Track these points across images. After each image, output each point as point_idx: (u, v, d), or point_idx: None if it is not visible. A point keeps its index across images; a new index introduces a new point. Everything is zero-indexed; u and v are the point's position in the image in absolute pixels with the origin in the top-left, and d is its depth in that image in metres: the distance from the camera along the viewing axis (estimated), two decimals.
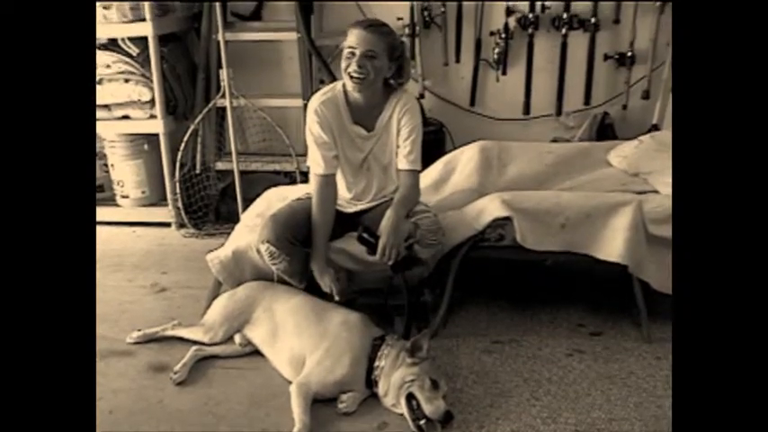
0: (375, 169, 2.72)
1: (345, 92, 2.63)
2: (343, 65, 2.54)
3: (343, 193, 2.78)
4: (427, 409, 2.24)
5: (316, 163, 2.66)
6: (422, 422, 2.24)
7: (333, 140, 2.64)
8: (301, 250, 2.66)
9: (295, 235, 2.61)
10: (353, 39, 2.51)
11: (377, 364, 2.38)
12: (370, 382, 2.38)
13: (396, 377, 2.32)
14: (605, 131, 4.02)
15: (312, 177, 2.70)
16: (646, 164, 3.12)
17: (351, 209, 2.81)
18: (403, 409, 2.29)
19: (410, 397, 2.28)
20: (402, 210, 2.59)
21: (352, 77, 2.52)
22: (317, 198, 2.65)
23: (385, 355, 2.39)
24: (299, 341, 2.50)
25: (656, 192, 2.91)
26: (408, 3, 3.94)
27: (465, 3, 4.02)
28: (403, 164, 2.67)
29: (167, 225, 4.06)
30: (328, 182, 2.67)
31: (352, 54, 2.50)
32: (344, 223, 2.78)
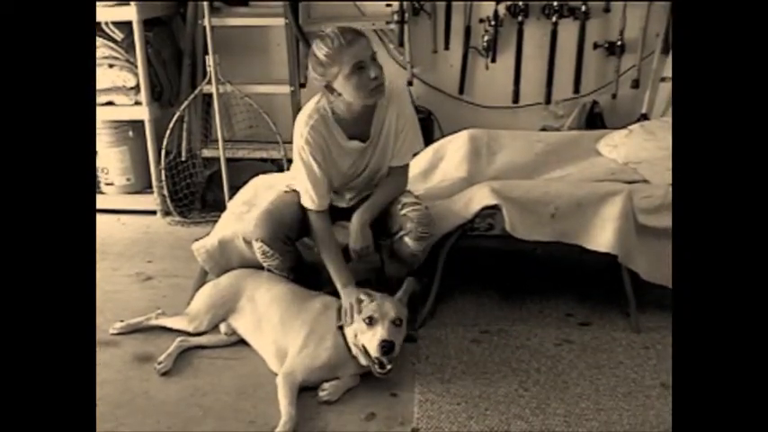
0: (369, 170, 2.67)
1: (333, 110, 2.51)
2: (355, 83, 2.36)
3: (337, 192, 2.74)
4: (371, 350, 2.29)
5: (308, 198, 2.55)
6: (386, 369, 2.30)
7: (327, 165, 2.54)
8: (294, 248, 2.64)
9: (288, 234, 2.58)
10: (354, 54, 2.34)
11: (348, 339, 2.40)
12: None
13: (351, 340, 2.37)
14: (594, 120, 4.02)
15: (309, 213, 2.58)
16: (635, 153, 3.11)
17: (343, 204, 2.77)
18: (365, 361, 2.34)
19: (366, 349, 2.33)
20: (367, 215, 2.58)
21: (374, 89, 2.39)
22: (319, 235, 2.55)
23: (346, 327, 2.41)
24: (283, 335, 2.49)
25: (645, 181, 2.90)
26: None
27: None
28: (393, 160, 2.64)
29: (153, 213, 4.02)
30: (324, 216, 2.58)
31: (362, 67, 2.35)
32: (338, 214, 2.75)
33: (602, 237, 2.63)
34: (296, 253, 2.67)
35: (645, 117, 3.86)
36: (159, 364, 2.50)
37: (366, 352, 2.32)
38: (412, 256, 2.61)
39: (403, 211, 2.58)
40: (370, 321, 2.30)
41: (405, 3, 3.91)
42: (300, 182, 2.57)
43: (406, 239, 2.57)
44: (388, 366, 2.30)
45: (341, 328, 2.41)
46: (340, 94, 2.42)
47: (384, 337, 2.26)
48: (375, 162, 2.64)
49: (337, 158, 2.57)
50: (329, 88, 2.43)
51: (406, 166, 2.69)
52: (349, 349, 2.38)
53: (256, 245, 2.60)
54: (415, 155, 2.80)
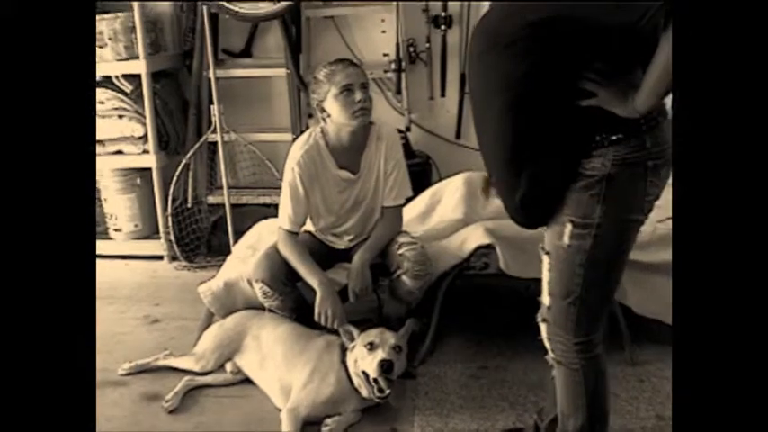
0: (363, 210, 2.77)
1: (326, 138, 2.68)
2: (341, 103, 2.54)
3: (332, 231, 2.83)
4: (370, 371, 2.34)
5: (286, 217, 2.68)
6: (385, 393, 2.34)
7: (314, 192, 2.67)
8: (294, 288, 2.71)
9: (288, 275, 2.66)
10: (346, 75, 2.54)
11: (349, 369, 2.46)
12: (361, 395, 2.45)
13: (352, 369, 2.43)
14: None
15: (279, 232, 2.70)
16: None
17: (342, 246, 2.86)
18: (366, 391, 2.39)
19: (366, 375, 2.38)
20: (367, 254, 2.66)
21: (357, 111, 2.54)
22: (292, 255, 2.63)
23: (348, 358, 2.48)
24: (287, 372, 2.54)
25: None
26: (394, 39, 4.01)
27: (449, 39, 4.10)
28: (386, 201, 2.75)
29: (160, 258, 4.09)
30: (294, 238, 2.69)
31: (350, 90, 2.53)
32: (336, 256, 2.84)
33: None
34: (296, 294, 2.74)
35: None
36: (167, 402, 2.56)
37: (366, 378, 2.38)
38: (409, 293, 2.69)
39: (400, 251, 2.66)
40: (371, 346, 2.37)
41: (401, 52, 4.03)
42: (283, 204, 2.69)
43: (404, 278, 2.65)
44: (387, 391, 2.34)
45: (344, 362, 2.47)
46: (329, 115, 2.58)
47: (384, 357, 2.33)
48: (368, 199, 2.74)
49: (325, 184, 2.69)
50: (321, 108, 2.61)
51: (400, 208, 2.79)
52: (351, 383, 2.44)
53: (257, 286, 2.67)
54: (407, 201, 2.89)
